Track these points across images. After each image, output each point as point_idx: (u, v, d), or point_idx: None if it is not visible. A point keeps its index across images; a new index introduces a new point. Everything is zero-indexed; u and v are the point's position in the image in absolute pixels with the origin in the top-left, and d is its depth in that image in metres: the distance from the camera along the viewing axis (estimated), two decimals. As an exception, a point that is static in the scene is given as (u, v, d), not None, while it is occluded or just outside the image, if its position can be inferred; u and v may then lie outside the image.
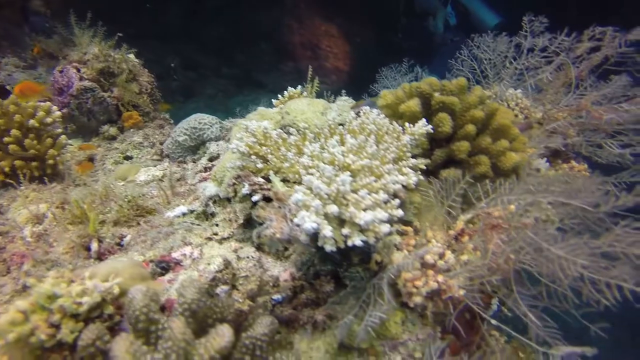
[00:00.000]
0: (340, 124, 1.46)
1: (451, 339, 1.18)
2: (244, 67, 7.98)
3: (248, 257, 1.33)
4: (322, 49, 8.24)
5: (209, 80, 7.75)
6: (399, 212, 1.05)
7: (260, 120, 1.64)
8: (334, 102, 1.97)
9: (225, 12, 8.00)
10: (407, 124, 1.38)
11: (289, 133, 1.46)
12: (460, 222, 1.21)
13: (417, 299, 1.08)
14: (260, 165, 1.36)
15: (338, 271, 1.22)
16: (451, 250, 1.16)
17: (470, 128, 1.41)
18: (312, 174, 1.09)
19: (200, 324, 0.96)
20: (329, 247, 0.96)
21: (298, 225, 0.94)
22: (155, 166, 2.00)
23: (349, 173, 1.03)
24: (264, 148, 1.36)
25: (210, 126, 2.08)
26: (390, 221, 1.04)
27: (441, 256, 1.13)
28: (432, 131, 1.37)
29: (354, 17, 8.46)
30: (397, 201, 1.05)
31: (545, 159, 1.99)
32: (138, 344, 0.82)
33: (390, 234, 1.15)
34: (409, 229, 1.25)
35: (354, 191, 1.01)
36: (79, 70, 2.21)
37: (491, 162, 1.43)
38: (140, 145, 2.25)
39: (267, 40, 8.18)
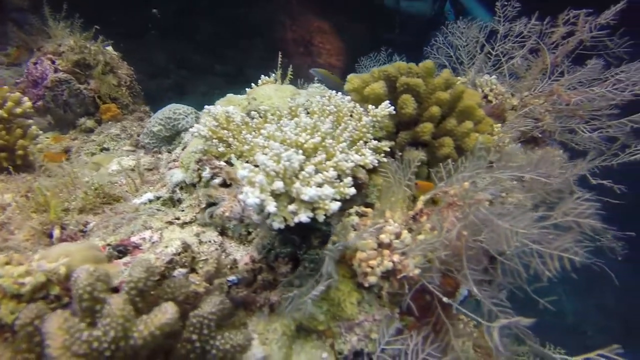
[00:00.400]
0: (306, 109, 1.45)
1: (410, 320, 1.17)
2: (237, 63, 7.96)
3: (210, 241, 1.32)
4: (315, 45, 8.22)
5: (201, 77, 7.72)
6: (351, 191, 1.04)
7: (226, 106, 1.63)
8: (306, 88, 1.96)
9: (217, 9, 7.97)
10: (370, 106, 1.36)
11: (252, 117, 1.45)
12: (420, 202, 1.20)
13: (372, 279, 1.07)
14: (222, 149, 1.35)
15: (297, 254, 1.21)
16: (409, 230, 1.15)
17: (435, 110, 1.40)
18: (266, 154, 1.08)
19: (150, 305, 0.95)
20: (277, 224, 0.95)
21: (244, 202, 0.93)
22: (128, 156, 1.99)
23: (300, 150, 1.01)
24: (225, 132, 1.35)
25: (186, 116, 2.06)
26: (342, 199, 1.03)
27: (397, 236, 1.12)
28: (394, 112, 1.35)
29: (347, 13, 8.43)
30: (349, 179, 1.04)
31: (519, 144, 1.98)
32: (74, 321, 0.81)
33: (342, 212, 1.14)
34: (369, 210, 1.24)
35: (304, 169, 1.00)
36: (53, 62, 2.20)
37: (456, 143, 1.42)
38: (118, 137, 2.24)
39: (260, 37, 8.16)
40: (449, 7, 6.42)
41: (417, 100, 1.44)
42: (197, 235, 1.33)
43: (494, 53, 2.18)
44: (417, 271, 1.05)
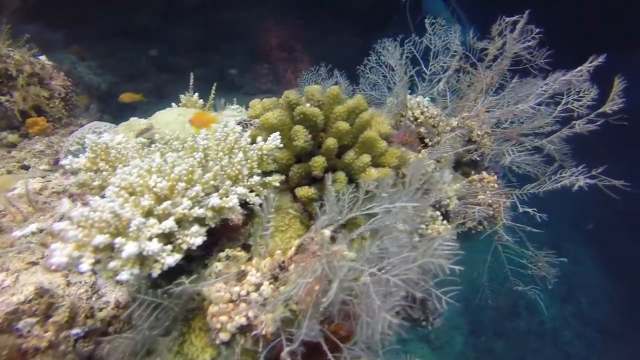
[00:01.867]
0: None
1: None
2: (218, 68, 7.83)
3: (80, 282, 1.21)
4: (298, 50, 8.09)
5: (182, 81, 7.59)
6: (196, 241, 0.93)
7: (128, 132, 1.52)
8: (224, 110, 1.85)
9: (200, 12, 7.84)
10: (258, 139, 1.26)
11: (145, 146, 1.34)
12: (292, 248, 1.10)
13: (223, 336, 0.97)
14: (96, 183, 1.24)
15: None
16: (275, 279, 1.05)
17: (330, 142, 1.30)
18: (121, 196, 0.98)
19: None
20: (103, 280, 0.85)
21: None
22: (43, 177, 1.88)
23: (137, 197, 0.91)
24: (103, 164, 1.24)
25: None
26: (188, 249, 0.93)
27: (258, 287, 1.01)
28: (281, 146, 1.25)
29: (333, 18, 8.31)
30: (195, 229, 0.94)
31: (447, 171, 1.88)
32: None
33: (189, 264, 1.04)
34: (241, 255, 1.14)
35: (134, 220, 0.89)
36: (-29, 74, 2.09)
37: (354, 178, 1.32)
38: (42, 153, 2.13)
39: (242, 41, 8.04)
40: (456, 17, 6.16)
41: (317, 131, 1.34)
42: (66, 275, 1.22)
43: (428, 72, 2.09)
44: (271, 329, 0.95)
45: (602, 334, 8.08)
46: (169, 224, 0.88)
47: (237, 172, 1.14)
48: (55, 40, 5.12)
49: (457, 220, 1.80)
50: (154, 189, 0.95)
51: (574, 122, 1.85)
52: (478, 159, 2.09)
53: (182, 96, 1.84)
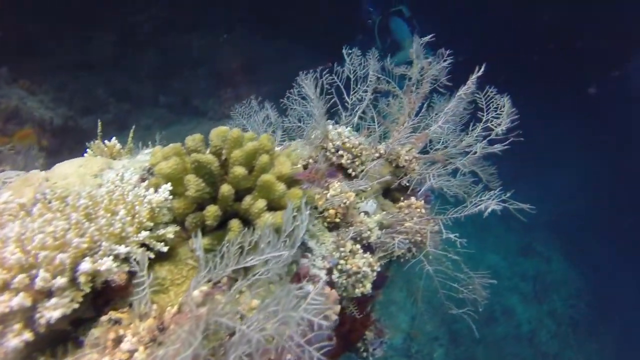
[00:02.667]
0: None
1: None
2: (182, 94, 7.75)
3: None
4: (261, 73, 8.07)
5: (144, 110, 7.47)
6: (53, 315, 0.88)
7: (24, 187, 1.46)
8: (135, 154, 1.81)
9: (156, 38, 7.76)
10: (149, 191, 1.23)
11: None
12: (174, 308, 1.05)
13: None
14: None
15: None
16: (153, 342, 1.00)
17: (225, 189, 1.27)
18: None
19: None
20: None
21: None
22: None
23: None
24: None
25: None
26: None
27: (132, 353, 0.97)
28: (170, 198, 1.22)
29: (298, 39, 8.36)
30: (53, 300, 0.89)
31: (370, 200, 1.88)
32: None
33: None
34: (124, 317, 1.09)
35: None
36: None
37: (253, 224, 1.29)
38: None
39: (203, 66, 8.00)
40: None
41: (215, 178, 1.32)
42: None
43: (350, 100, 2.10)
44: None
45: (574, 331, 8.22)
46: (17, 300, 0.84)
47: (119, 230, 1.10)
48: (-1, 76, 4.96)
49: (381, 251, 1.78)
50: (9, 262, 0.90)
51: (479, 144, 1.89)
52: (407, 184, 2.10)
53: (89, 144, 1.78)
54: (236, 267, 1.05)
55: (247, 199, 1.29)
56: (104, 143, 1.83)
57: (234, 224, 1.24)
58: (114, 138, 1.89)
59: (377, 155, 2.12)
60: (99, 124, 1.75)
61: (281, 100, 2.11)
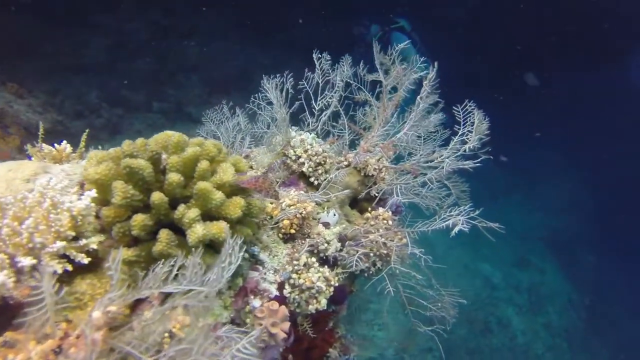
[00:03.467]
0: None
1: None
2: (175, 100, 7.69)
3: None
4: (255, 79, 8.00)
5: (137, 115, 7.39)
6: None
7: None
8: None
9: (152, 45, 7.74)
10: (67, 199, 1.12)
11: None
12: (79, 326, 0.94)
13: None
14: None
15: None
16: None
17: (156, 197, 1.16)
18: None
19: None
20: None
21: None
22: None
23: None
24: None
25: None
26: None
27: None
28: (90, 206, 1.11)
29: (294, 45, 8.29)
30: None
31: (332, 211, 1.76)
32: None
33: None
34: (20, 337, 0.97)
35: None
36: None
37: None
38: None
39: (198, 73, 7.95)
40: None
41: (147, 184, 1.21)
42: None
43: (317, 107, 1.99)
44: None
45: (570, 344, 8.05)
46: None
47: (26, 240, 0.99)
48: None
49: (341, 265, 1.67)
50: None
51: (447, 159, 1.78)
52: (377, 194, 1.99)
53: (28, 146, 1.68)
54: (156, 290, 0.94)
55: (180, 208, 1.18)
56: (53, 146, 1.74)
57: (163, 234, 1.13)
58: (64, 142, 1.79)
59: (345, 163, 2.01)
60: (40, 125, 1.64)
61: (247, 105, 2.01)
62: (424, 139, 1.96)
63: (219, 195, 1.21)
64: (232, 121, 2.25)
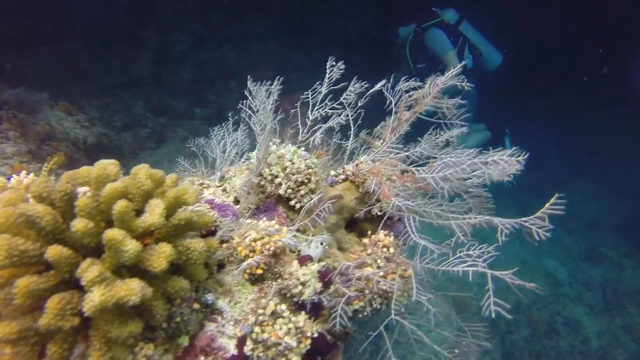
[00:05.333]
0: None
1: None
2: (216, 106, 7.75)
3: None
4: (291, 80, 7.80)
5: (181, 123, 7.52)
6: None
7: None
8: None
9: (192, 54, 7.86)
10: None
11: None
12: None
13: None
14: None
15: None
16: None
17: (52, 252, 0.91)
18: None
19: None
20: None
21: None
22: None
23: None
24: None
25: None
26: None
27: None
28: None
29: (330, 47, 7.95)
30: None
31: (314, 241, 1.42)
32: None
33: None
34: None
35: None
36: None
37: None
38: None
39: (236, 79, 7.92)
40: (468, 52, 5.25)
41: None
42: None
43: (311, 118, 1.66)
44: None
45: (660, 351, 6.94)
46: None
47: None
48: (40, 100, 5.08)
49: (324, 310, 1.32)
50: None
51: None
52: (379, 213, 1.61)
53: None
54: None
55: (83, 265, 0.91)
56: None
57: (51, 302, 0.87)
58: (23, 172, 1.61)
59: (342, 177, 1.66)
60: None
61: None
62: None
63: (132, 246, 0.92)
64: (233, 135, 2.00)
